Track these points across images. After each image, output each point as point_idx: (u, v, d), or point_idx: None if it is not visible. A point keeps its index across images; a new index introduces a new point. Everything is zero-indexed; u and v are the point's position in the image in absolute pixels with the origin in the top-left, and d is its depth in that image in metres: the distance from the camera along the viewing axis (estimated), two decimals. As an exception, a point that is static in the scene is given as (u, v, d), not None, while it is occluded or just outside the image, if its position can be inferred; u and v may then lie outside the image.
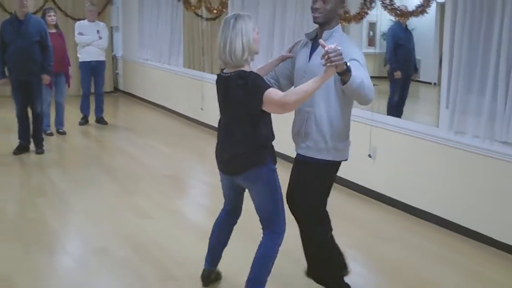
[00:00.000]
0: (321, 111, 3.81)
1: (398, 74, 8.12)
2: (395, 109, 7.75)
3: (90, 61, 10.19)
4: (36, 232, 5.41)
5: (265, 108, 3.68)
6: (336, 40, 3.63)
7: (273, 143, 3.88)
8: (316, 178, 3.95)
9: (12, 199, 6.63)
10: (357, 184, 6.65)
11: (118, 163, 8.10)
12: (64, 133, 9.58)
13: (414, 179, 6.01)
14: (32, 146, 8.38)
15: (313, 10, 3.81)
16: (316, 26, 3.92)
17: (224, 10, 9.37)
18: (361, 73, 3.51)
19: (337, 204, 6.25)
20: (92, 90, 10.43)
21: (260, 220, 3.97)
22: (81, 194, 6.63)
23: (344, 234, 5.44)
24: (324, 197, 4.04)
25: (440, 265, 4.93)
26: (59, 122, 9.62)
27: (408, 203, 6.08)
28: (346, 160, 3.99)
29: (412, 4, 6.02)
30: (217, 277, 4.39)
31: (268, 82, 3.90)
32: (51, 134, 9.34)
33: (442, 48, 5.88)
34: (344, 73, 3.37)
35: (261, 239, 3.97)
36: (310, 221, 4.04)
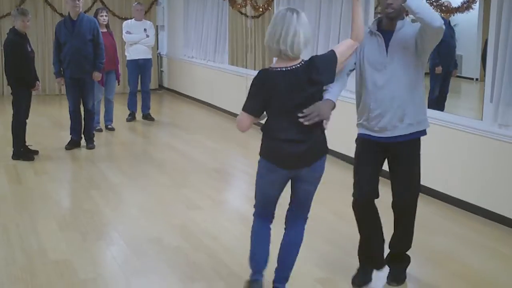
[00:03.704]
0: None
1: (439, 70, 8.18)
2: (436, 104, 7.82)
3: (138, 59, 10.43)
4: (92, 222, 5.66)
5: (339, 67, 3.83)
6: (408, 28, 3.99)
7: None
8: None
9: (67, 191, 6.94)
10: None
11: (166, 157, 8.33)
12: (112, 129, 9.85)
13: (458, 171, 6.09)
14: (83, 142, 8.64)
15: (387, 5, 3.92)
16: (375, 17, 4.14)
17: (269, 8, 9.53)
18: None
19: (382, 197, 6.37)
20: (139, 88, 10.69)
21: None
22: (132, 187, 6.87)
23: (390, 225, 5.57)
24: None
25: (487, 256, 5.04)
26: (108, 119, 9.90)
27: (452, 195, 6.16)
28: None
29: (455, 0, 6.11)
30: None
31: None
32: (100, 130, 9.60)
33: (486, 43, 5.96)
34: None
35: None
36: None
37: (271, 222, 4.10)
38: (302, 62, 3.79)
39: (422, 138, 4.24)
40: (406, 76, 4.00)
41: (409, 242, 4.45)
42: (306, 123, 3.70)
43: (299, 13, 3.77)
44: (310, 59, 3.82)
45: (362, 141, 4.24)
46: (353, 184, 4.28)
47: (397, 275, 4.46)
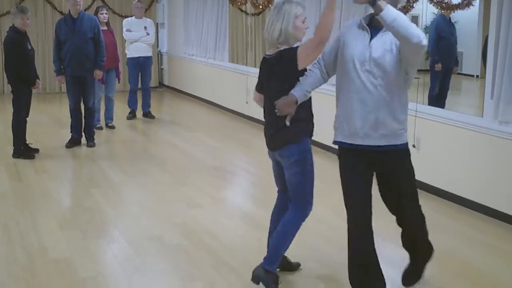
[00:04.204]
0: None
1: (438, 67, 8.15)
2: (436, 101, 7.80)
3: (138, 57, 10.43)
4: (93, 220, 5.66)
5: (303, 62, 3.90)
6: None
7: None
8: None
9: (68, 189, 6.94)
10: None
11: (167, 155, 8.33)
12: (113, 127, 9.85)
13: (458, 168, 6.09)
14: (83, 140, 8.64)
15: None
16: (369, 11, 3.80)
17: (269, 6, 9.52)
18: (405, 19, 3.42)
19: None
20: (139, 86, 10.68)
21: None
22: (133, 185, 6.87)
23: (389, 223, 5.57)
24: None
25: (487, 254, 5.03)
26: (109, 117, 9.90)
27: (452, 192, 6.16)
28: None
29: (457, -3, 6.12)
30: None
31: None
32: (100, 128, 9.60)
33: (486, 40, 5.95)
34: (374, 3, 3.44)
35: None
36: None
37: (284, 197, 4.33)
38: (277, 52, 4.01)
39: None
40: (384, 80, 3.64)
41: (422, 223, 4.14)
42: (278, 114, 3.91)
43: (284, 4, 3.96)
44: (282, 50, 4.01)
45: (342, 151, 3.90)
46: (345, 207, 3.94)
47: (418, 271, 4.29)
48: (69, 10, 8.36)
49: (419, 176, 6.46)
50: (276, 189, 4.44)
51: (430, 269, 4.70)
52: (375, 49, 3.64)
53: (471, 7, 5.95)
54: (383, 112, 3.67)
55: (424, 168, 6.51)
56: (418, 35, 3.38)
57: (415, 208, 4.09)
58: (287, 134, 4.01)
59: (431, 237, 5.30)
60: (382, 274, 4.00)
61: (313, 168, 4.10)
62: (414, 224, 4.15)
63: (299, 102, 3.88)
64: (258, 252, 4.81)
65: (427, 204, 6.13)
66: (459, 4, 5.97)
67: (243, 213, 5.95)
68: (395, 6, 3.58)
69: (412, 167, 3.98)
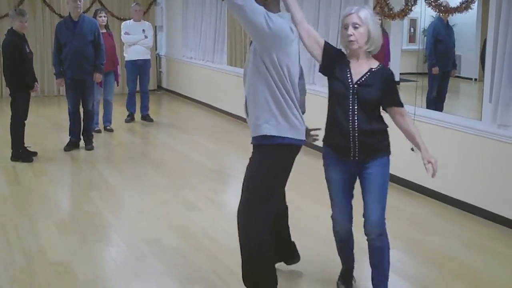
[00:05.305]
0: None
1: (435, 70, 8.17)
2: (434, 104, 7.81)
3: (136, 60, 10.40)
4: (91, 223, 5.66)
5: None
6: None
7: None
8: None
9: (66, 193, 6.94)
10: (400, 178, 6.74)
11: (165, 158, 8.32)
12: (111, 130, 9.83)
13: (457, 172, 6.09)
14: (82, 143, 8.63)
15: None
16: None
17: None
18: None
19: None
20: (138, 89, 10.68)
21: None
22: (131, 188, 6.87)
23: (387, 225, 5.58)
24: None
25: (485, 256, 5.03)
26: (107, 120, 9.89)
27: (450, 196, 6.16)
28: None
29: (454, 0, 6.11)
30: None
31: None
32: (99, 131, 9.58)
33: (484, 43, 5.96)
34: None
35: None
36: None
37: None
38: None
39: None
40: (251, 67, 3.86)
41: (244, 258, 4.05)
42: None
43: None
44: None
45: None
46: None
47: None
48: (69, 13, 8.36)
49: (417, 179, 6.52)
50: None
51: (429, 271, 4.72)
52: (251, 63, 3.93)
53: (469, 10, 5.94)
54: (251, 102, 4.17)
55: (422, 171, 6.50)
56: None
57: None
58: None
59: (429, 240, 5.32)
60: None
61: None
62: None
63: None
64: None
65: (425, 207, 6.16)
66: (457, 7, 5.97)
67: (241, 216, 5.94)
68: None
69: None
